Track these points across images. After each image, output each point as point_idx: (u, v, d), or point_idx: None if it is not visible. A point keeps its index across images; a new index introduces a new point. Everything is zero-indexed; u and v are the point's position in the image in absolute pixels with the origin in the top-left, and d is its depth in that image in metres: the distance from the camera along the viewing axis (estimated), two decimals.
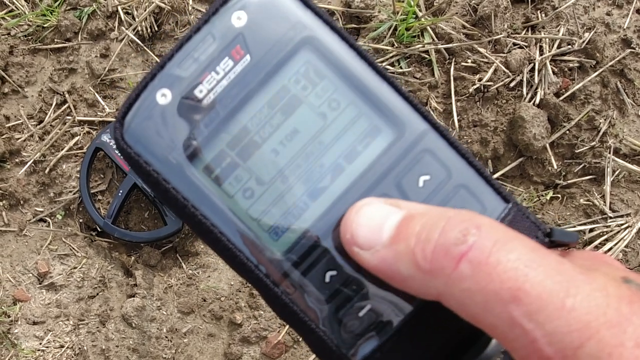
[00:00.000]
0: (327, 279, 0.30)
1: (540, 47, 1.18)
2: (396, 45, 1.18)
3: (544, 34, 1.19)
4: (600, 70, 1.17)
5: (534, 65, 1.17)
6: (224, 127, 0.30)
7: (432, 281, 0.25)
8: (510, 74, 1.17)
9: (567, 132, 1.17)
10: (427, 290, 0.25)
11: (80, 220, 1.24)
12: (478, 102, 1.18)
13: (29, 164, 1.23)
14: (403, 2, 1.18)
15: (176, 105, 0.30)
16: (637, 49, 1.19)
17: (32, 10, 1.28)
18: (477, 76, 1.18)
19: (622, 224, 1.15)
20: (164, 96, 0.30)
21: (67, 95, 1.25)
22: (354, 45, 0.31)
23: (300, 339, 1.14)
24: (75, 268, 1.21)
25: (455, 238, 0.24)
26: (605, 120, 1.17)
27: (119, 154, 0.33)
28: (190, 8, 1.24)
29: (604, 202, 1.17)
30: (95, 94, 1.25)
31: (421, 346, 0.29)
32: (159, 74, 0.30)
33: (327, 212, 0.30)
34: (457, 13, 1.19)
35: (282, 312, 0.30)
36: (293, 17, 0.30)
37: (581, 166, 1.18)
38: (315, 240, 0.30)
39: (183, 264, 1.21)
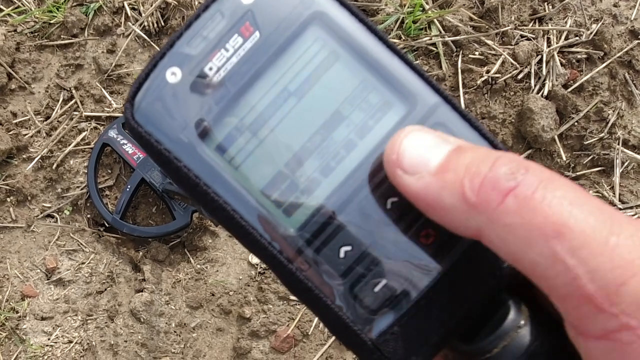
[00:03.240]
0: (342, 255, 0.29)
1: (548, 38, 1.18)
2: (403, 38, 1.18)
3: (552, 25, 1.19)
4: (608, 61, 1.17)
5: (542, 57, 1.17)
6: (234, 104, 0.30)
7: (475, 214, 0.24)
8: (518, 65, 1.17)
9: (576, 123, 1.17)
10: (467, 224, 0.25)
11: (88, 216, 1.24)
12: (486, 95, 1.18)
13: (36, 159, 1.23)
14: None
15: (186, 84, 0.30)
16: None
17: (39, 7, 1.28)
18: (485, 68, 1.17)
19: (632, 215, 1.15)
20: (173, 75, 0.30)
21: (74, 91, 1.25)
22: (364, 20, 0.31)
23: (310, 332, 1.14)
24: (83, 263, 1.21)
25: (504, 174, 0.24)
26: (613, 111, 1.17)
27: (130, 135, 0.33)
28: (196, 2, 1.24)
29: (614, 193, 1.17)
30: (102, 89, 1.25)
31: (438, 321, 0.29)
32: (168, 53, 0.30)
33: (339, 188, 0.30)
34: (464, 5, 1.19)
35: (297, 289, 0.30)
36: None
37: (590, 158, 1.18)
38: (329, 215, 0.30)
39: (191, 258, 1.21)
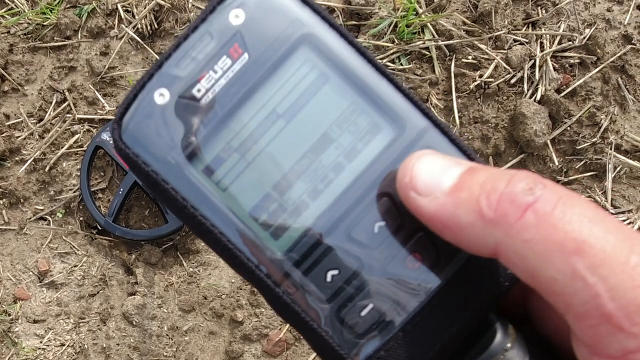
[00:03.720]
0: (329, 279, 0.29)
1: (541, 43, 1.18)
2: (397, 42, 1.18)
3: (545, 30, 1.19)
4: (601, 66, 1.17)
5: (535, 61, 1.17)
6: (222, 126, 0.30)
7: (493, 230, 0.24)
8: (511, 70, 1.17)
9: (568, 128, 1.17)
10: (484, 240, 0.25)
11: (81, 219, 1.24)
12: (479, 99, 1.18)
13: (29, 162, 1.23)
14: None
15: (174, 105, 0.30)
16: (637, 44, 1.18)
17: (32, 9, 1.27)
18: (478, 73, 1.17)
19: (623, 221, 1.15)
20: (162, 96, 0.30)
21: (67, 93, 1.25)
22: (353, 42, 0.31)
23: (302, 337, 1.14)
24: (75, 266, 1.21)
25: (522, 189, 0.24)
26: (606, 116, 1.17)
27: (118, 155, 0.33)
28: (190, 5, 1.23)
29: (606, 198, 1.17)
30: (95, 91, 1.25)
31: (425, 345, 0.29)
32: (156, 74, 0.30)
33: (327, 211, 0.30)
34: (457, 9, 1.19)
35: (284, 313, 0.30)
36: (291, 14, 0.30)
37: (582, 162, 1.18)
38: (316, 239, 0.30)
39: (184, 261, 1.21)
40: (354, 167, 0.30)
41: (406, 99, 0.30)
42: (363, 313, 0.29)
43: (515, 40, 1.19)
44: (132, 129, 0.30)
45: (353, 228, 0.30)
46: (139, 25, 1.24)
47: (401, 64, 1.18)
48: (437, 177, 0.27)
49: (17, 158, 1.24)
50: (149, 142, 0.30)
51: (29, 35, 1.28)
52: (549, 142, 1.16)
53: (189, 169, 0.30)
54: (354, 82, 0.30)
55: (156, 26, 1.25)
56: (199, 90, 0.30)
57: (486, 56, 1.17)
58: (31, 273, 1.22)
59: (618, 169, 1.17)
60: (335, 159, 0.30)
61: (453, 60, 1.18)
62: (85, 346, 1.17)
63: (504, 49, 1.18)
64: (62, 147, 1.23)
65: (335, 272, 0.29)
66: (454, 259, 0.29)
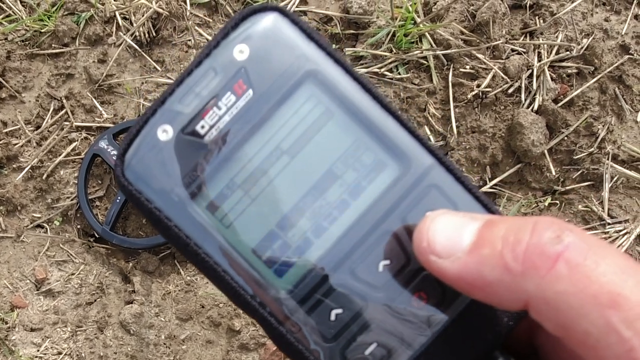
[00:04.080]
0: (333, 317, 0.29)
1: (539, 53, 1.18)
2: (394, 51, 1.18)
3: (542, 40, 1.19)
4: (599, 76, 1.18)
5: (533, 71, 1.17)
6: (226, 162, 0.30)
7: (522, 284, 0.24)
8: (508, 80, 1.17)
9: (566, 138, 1.17)
10: (515, 295, 0.24)
11: (78, 227, 1.24)
12: (476, 108, 1.18)
13: (26, 169, 1.22)
14: (401, 8, 1.18)
15: (178, 141, 0.29)
16: (635, 55, 1.19)
17: (30, 16, 1.27)
18: (476, 82, 1.17)
19: (620, 230, 1.15)
20: (165, 132, 0.29)
21: (64, 101, 1.25)
22: (359, 77, 0.30)
23: None
24: (73, 274, 1.21)
25: (549, 238, 0.23)
26: (603, 126, 1.17)
27: (120, 191, 0.33)
28: (188, 14, 1.23)
29: (602, 208, 1.17)
30: (93, 99, 1.24)
31: None
32: (159, 110, 0.30)
33: (331, 249, 0.30)
34: (455, 19, 1.19)
35: (287, 350, 0.30)
36: (296, 50, 0.30)
37: (579, 172, 1.18)
38: (320, 277, 0.29)
39: (181, 270, 1.21)
40: (359, 204, 0.30)
41: (412, 136, 0.30)
42: (367, 352, 0.29)
43: (512, 50, 1.19)
44: (135, 165, 0.29)
45: (357, 266, 0.29)
46: (137, 33, 1.24)
47: (399, 73, 1.18)
48: (455, 237, 0.26)
49: (14, 165, 1.23)
50: (152, 179, 0.29)
51: (27, 42, 1.27)
52: (546, 152, 1.17)
53: (193, 206, 0.30)
54: (359, 118, 0.30)
55: (154, 34, 1.25)
56: (202, 127, 0.29)
57: (484, 66, 1.18)
58: (28, 281, 1.21)
59: (615, 179, 1.17)
60: (340, 196, 0.30)
61: (451, 70, 1.18)
62: (83, 355, 1.17)
63: (502, 59, 1.18)
64: (59, 155, 1.23)
65: (340, 310, 0.29)
66: (460, 297, 0.29)
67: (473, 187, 0.30)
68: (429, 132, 1.19)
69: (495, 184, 1.18)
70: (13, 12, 1.27)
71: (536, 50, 1.19)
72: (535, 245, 0.23)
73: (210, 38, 1.23)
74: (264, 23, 0.30)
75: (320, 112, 0.30)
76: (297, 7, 1.23)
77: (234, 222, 0.30)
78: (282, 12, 0.30)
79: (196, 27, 1.24)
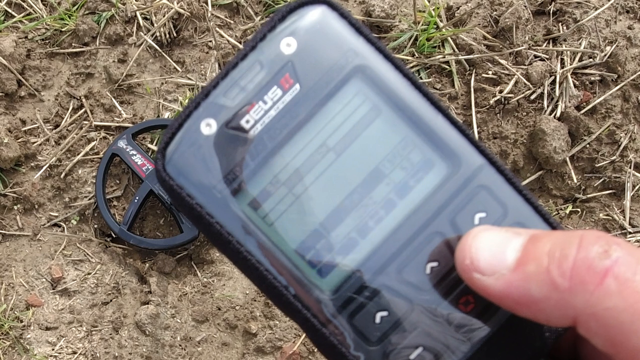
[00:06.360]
0: (378, 320, 0.28)
1: (562, 59, 1.18)
2: (417, 55, 1.17)
3: (566, 46, 1.18)
4: (622, 84, 1.17)
5: (555, 77, 1.16)
6: (271, 159, 0.29)
7: (570, 300, 0.23)
8: (531, 86, 1.16)
9: (588, 145, 1.16)
10: (563, 312, 0.24)
11: (95, 226, 1.23)
12: (498, 114, 1.17)
13: (44, 168, 1.22)
14: (424, 12, 1.18)
15: (221, 136, 0.29)
16: None
17: (50, 14, 1.27)
18: (498, 88, 1.17)
19: None
20: (208, 126, 0.29)
21: (84, 100, 1.24)
22: (408, 74, 0.30)
23: (316, 349, 1.13)
24: (89, 274, 1.20)
25: (597, 253, 0.23)
26: (625, 134, 1.16)
27: (160, 187, 0.32)
28: (209, 14, 1.23)
29: (624, 217, 1.16)
30: (112, 99, 1.24)
31: None
32: (203, 103, 0.29)
33: (377, 250, 0.29)
34: (478, 24, 1.18)
35: (328, 353, 0.29)
36: (344, 45, 0.29)
37: (601, 180, 1.17)
38: (366, 278, 0.29)
39: (198, 271, 1.20)
40: (406, 204, 0.29)
41: (461, 134, 0.29)
42: (412, 356, 0.28)
43: (535, 56, 1.18)
44: (177, 160, 0.29)
45: (404, 268, 0.29)
46: (158, 33, 1.24)
47: (421, 78, 1.18)
48: (499, 253, 0.25)
49: (32, 164, 1.23)
50: (194, 174, 0.29)
51: (47, 41, 1.27)
52: (567, 159, 1.16)
53: (235, 203, 0.29)
54: (408, 115, 0.29)
55: (175, 34, 1.24)
56: (247, 121, 0.29)
57: (506, 71, 1.17)
58: (44, 280, 1.21)
59: (637, 187, 1.16)
60: (387, 195, 0.29)
61: (473, 75, 1.17)
62: (97, 354, 1.16)
63: (525, 65, 1.18)
64: (78, 154, 1.23)
65: (385, 313, 0.28)
66: None
67: (524, 189, 0.29)
68: None
69: None
70: (34, 10, 1.27)
71: (559, 57, 1.18)
72: (582, 261, 0.23)
73: (231, 39, 1.22)
74: (312, 16, 0.29)
75: (368, 109, 0.29)
76: None
77: (277, 220, 0.29)
78: (331, 5, 0.29)
79: (217, 29, 1.24)
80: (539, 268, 0.24)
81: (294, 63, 0.29)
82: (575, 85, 1.16)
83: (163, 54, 1.25)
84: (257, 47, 0.29)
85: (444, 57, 1.17)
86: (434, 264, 0.29)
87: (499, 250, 0.25)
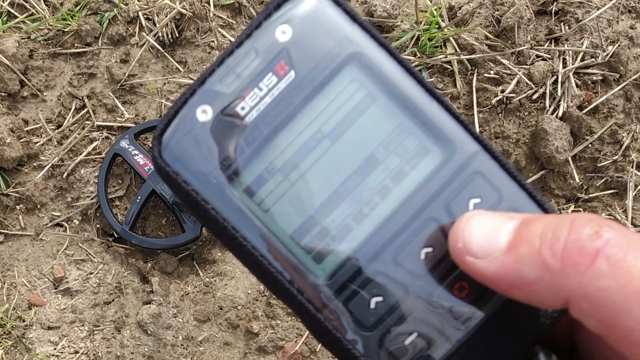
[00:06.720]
0: (373, 305, 0.29)
1: (564, 59, 1.18)
2: (418, 55, 1.17)
3: (568, 46, 1.18)
4: (624, 83, 1.17)
5: (557, 77, 1.16)
6: (266, 145, 0.29)
7: (562, 281, 0.23)
8: (533, 86, 1.16)
9: (590, 145, 1.16)
10: (555, 293, 0.24)
11: (98, 226, 1.23)
12: (500, 114, 1.17)
13: (46, 168, 1.22)
14: (426, 12, 1.18)
15: (217, 123, 0.29)
16: None
17: (53, 15, 1.28)
18: (500, 87, 1.17)
19: None
20: (204, 113, 0.29)
21: (86, 100, 1.25)
22: (402, 61, 0.30)
23: (318, 349, 1.13)
24: (91, 273, 1.21)
25: (588, 234, 0.23)
26: (628, 134, 1.16)
27: (157, 172, 0.32)
28: (211, 15, 1.23)
29: (626, 216, 1.16)
30: (115, 99, 1.25)
31: None
32: (199, 90, 0.29)
33: (372, 236, 0.29)
34: (480, 24, 1.18)
35: (324, 339, 0.29)
36: (340, 32, 0.29)
37: (603, 180, 1.17)
38: (361, 264, 0.29)
39: (200, 271, 1.20)
40: (401, 190, 0.29)
41: (456, 121, 0.30)
42: (407, 342, 0.28)
43: (537, 56, 1.18)
44: (173, 146, 0.29)
45: (399, 254, 0.29)
46: (160, 34, 1.24)
47: None
48: (492, 236, 0.25)
49: (34, 164, 1.23)
50: (190, 160, 0.29)
51: (49, 41, 1.28)
52: (570, 159, 1.16)
53: (231, 189, 0.29)
54: (403, 102, 0.29)
55: (177, 35, 1.25)
56: (243, 108, 0.29)
57: (508, 71, 1.17)
58: (46, 279, 1.21)
59: (639, 187, 1.16)
60: (382, 181, 0.29)
61: (475, 75, 1.17)
62: (99, 354, 1.16)
63: (527, 65, 1.18)
64: (80, 154, 1.23)
65: (380, 298, 0.29)
66: None
67: (518, 175, 0.29)
68: None
69: None
70: (36, 11, 1.28)
71: (561, 57, 1.18)
72: (574, 242, 0.23)
73: (233, 40, 1.23)
74: (307, 4, 0.29)
75: (363, 96, 0.29)
76: None
77: (273, 206, 0.29)
78: None
79: (219, 29, 1.24)
80: (531, 250, 0.24)
81: (289, 50, 0.29)
82: (577, 85, 1.16)
83: (165, 54, 1.25)
84: (253, 34, 0.29)
85: (446, 57, 1.17)
86: (429, 249, 0.29)
87: (492, 234, 0.26)
